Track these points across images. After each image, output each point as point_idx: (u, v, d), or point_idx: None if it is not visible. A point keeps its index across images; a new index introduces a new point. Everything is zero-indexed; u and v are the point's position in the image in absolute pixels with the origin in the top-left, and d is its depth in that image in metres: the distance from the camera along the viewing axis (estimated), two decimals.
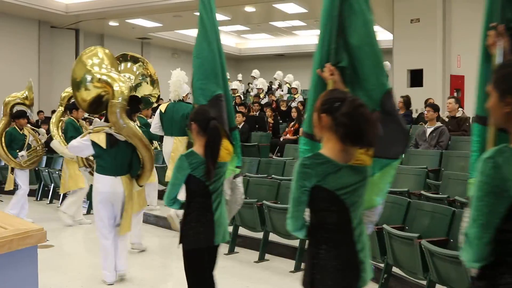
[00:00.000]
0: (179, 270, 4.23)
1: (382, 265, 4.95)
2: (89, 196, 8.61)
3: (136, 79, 6.33)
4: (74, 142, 5.60)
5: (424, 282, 4.46)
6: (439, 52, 13.72)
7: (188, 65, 8.26)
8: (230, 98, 4.35)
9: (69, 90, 7.79)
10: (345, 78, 3.03)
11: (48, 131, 9.96)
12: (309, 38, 23.96)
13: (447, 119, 9.03)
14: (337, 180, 2.40)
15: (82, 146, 5.49)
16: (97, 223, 5.57)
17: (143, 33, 21.51)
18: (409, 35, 14.03)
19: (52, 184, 10.81)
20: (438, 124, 8.20)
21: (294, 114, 12.10)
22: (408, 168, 7.15)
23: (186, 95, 7.90)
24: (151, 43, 23.36)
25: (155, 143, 8.38)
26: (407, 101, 10.90)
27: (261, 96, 17.88)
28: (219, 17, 18.73)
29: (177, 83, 7.81)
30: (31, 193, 11.50)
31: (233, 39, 26.20)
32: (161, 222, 8.25)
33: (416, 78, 14.13)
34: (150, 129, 7.91)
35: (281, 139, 11.60)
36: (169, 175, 6.52)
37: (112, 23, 19.26)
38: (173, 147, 7.69)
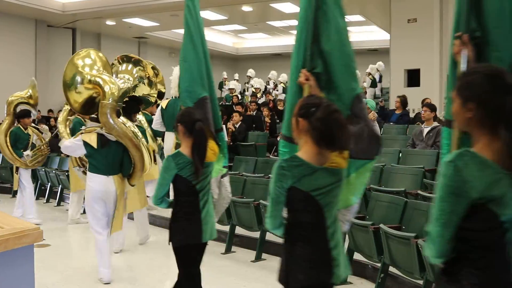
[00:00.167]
0: (176, 268, 4.23)
1: (379, 264, 4.96)
2: None
3: (134, 81, 6.41)
4: (67, 142, 5.78)
5: (421, 282, 4.46)
6: (436, 52, 13.73)
7: None
8: (215, 100, 4.46)
9: None
10: (320, 83, 3.17)
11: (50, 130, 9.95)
12: None
13: (444, 119, 9.03)
14: (312, 182, 2.55)
15: (74, 146, 5.62)
16: (91, 221, 5.64)
17: (140, 32, 21.49)
18: (406, 34, 14.05)
19: (49, 183, 10.80)
20: (435, 124, 8.20)
21: None
22: (405, 168, 7.16)
23: None
24: (148, 42, 23.35)
25: (159, 140, 8.45)
26: (404, 101, 10.91)
27: (258, 95, 17.88)
28: (217, 16, 18.79)
29: (177, 79, 7.82)
30: None
31: (230, 38, 26.20)
32: (158, 222, 8.24)
33: (413, 78, 14.15)
34: (152, 126, 7.99)
35: (278, 138, 11.59)
36: None
37: (109, 22, 19.23)
38: (174, 143, 7.76)
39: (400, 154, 8.00)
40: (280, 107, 14.48)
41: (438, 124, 8.24)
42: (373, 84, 19.23)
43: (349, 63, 3.23)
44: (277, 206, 2.60)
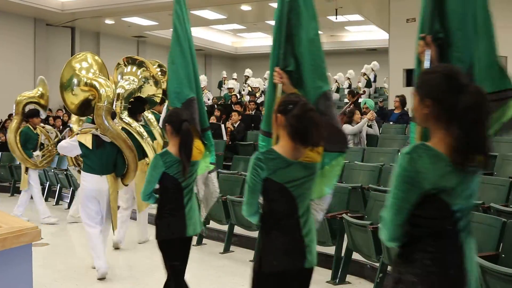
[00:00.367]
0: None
1: (378, 264, 4.96)
2: None
3: (139, 82, 6.58)
4: (63, 142, 6.00)
5: None
6: None
7: None
8: (202, 100, 4.65)
9: None
10: (292, 81, 3.41)
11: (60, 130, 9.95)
12: None
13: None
14: (287, 175, 2.73)
15: (70, 146, 5.85)
16: (82, 216, 5.86)
17: (139, 31, 21.48)
18: (405, 34, 13.99)
19: (48, 182, 10.80)
20: None
21: None
22: None
23: None
24: (147, 41, 23.33)
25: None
26: (403, 100, 10.92)
27: (257, 95, 17.87)
28: (215, 15, 18.78)
29: None
30: None
31: (229, 38, 26.20)
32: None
33: (412, 77, 14.13)
34: (160, 124, 8.06)
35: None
36: None
37: (108, 21, 19.21)
38: None
39: (399, 153, 8.00)
40: None
41: None
42: (368, 84, 19.25)
43: (318, 64, 3.44)
44: (253, 194, 2.78)
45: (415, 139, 2.87)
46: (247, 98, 17.08)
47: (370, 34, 22.87)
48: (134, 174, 6.00)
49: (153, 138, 7.32)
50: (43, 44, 18.85)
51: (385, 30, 15.47)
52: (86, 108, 5.94)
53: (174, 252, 3.96)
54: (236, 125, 11.38)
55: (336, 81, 20.00)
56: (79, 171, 7.28)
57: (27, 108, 8.71)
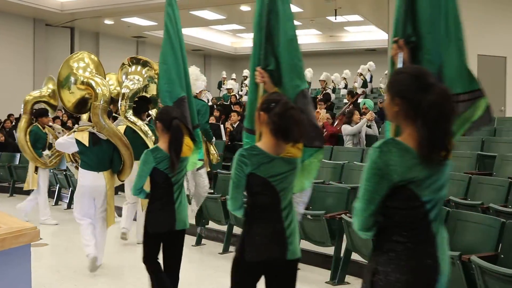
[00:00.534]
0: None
1: None
2: None
3: (144, 81, 6.69)
4: (60, 140, 6.16)
5: None
6: None
7: None
8: (192, 99, 4.82)
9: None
10: (273, 79, 3.57)
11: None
12: (304, 38, 23.95)
13: None
14: (270, 169, 2.86)
15: (67, 143, 6.00)
16: (75, 211, 6.03)
17: (139, 32, 21.49)
18: None
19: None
20: None
21: None
22: None
23: (199, 92, 8.13)
24: (147, 41, 23.34)
25: None
26: None
27: None
28: (215, 16, 18.77)
29: (190, 80, 7.97)
30: (26, 192, 11.51)
31: (228, 38, 26.20)
32: None
33: None
34: None
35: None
36: None
37: (108, 22, 19.22)
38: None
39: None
40: None
41: None
42: (364, 84, 19.23)
43: (296, 63, 3.60)
44: (237, 189, 2.90)
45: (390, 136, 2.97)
46: (245, 99, 17.07)
47: (369, 35, 22.86)
48: (130, 171, 6.11)
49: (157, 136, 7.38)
50: (42, 44, 18.86)
51: (384, 31, 15.48)
52: (82, 107, 6.09)
53: (157, 244, 4.13)
54: (235, 126, 11.38)
55: (333, 82, 20.01)
56: (76, 167, 7.31)
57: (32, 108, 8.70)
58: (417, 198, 2.08)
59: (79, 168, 6.02)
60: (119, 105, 6.60)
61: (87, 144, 5.84)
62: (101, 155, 5.90)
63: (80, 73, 6.00)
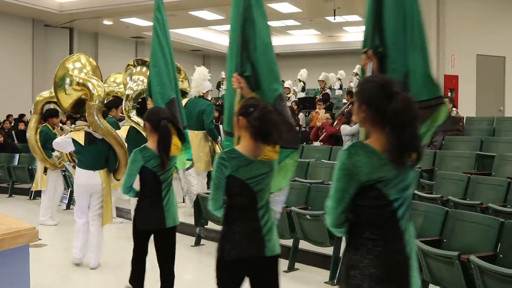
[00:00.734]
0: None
1: None
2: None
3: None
4: (58, 139, 6.34)
5: None
6: (433, 52, 13.72)
7: (182, 64, 8.30)
8: (180, 101, 5.00)
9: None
10: (250, 85, 3.71)
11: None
12: (303, 38, 23.99)
13: None
14: (248, 172, 3.01)
15: (64, 143, 6.18)
16: (75, 208, 6.27)
17: (137, 32, 21.47)
18: None
19: None
20: None
21: None
22: None
23: (206, 91, 8.21)
24: (146, 42, 23.29)
25: None
26: None
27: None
28: (214, 16, 18.77)
29: (198, 80, 8.21)
30: (25, 192, 11.51)
31: (227, 38, 26.08)
32: None
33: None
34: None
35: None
36: None
37: (106, 22, 19.20)
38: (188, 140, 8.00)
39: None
40: None
41: None
42: None
43: (272, 67, 3.76)
44: (218, 190, 3.04)
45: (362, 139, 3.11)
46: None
47: None
48: (125, 169, 6.20)
49: None
50: (41, 45, 18.84)
51: None
52: (80, 107, 6.26)
53: (145, 242, 4.27)
54: None
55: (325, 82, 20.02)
56: (74, 167, 7.35)
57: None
58: (385, 197, 2.24)
59: (76, 167, 6.19)
60: (123, 106, 6.73)
61: (83, 143, 6.00)
62: (96, 154, 6.06)
63: (76, 74, 6.17)
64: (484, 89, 13.82)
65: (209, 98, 8.78)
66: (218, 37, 25.09)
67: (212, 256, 6.59)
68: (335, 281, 5.39)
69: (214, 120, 11.99)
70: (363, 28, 3.36)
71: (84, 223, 6.10)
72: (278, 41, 24.91)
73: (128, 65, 7.00)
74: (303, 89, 18.61)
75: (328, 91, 16.91)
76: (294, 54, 24.69)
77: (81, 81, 6.17)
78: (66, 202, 10.17)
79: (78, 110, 6.35)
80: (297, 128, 11.90)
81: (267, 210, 3.13)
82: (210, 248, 7.00)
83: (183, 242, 7.02)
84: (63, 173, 9.96)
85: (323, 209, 5.80)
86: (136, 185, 4.34)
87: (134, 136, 6.50)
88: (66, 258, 6.64)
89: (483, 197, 5.61)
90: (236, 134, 3.31)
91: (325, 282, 5.46)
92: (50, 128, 8.66)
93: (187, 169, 4.91)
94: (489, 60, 13.86)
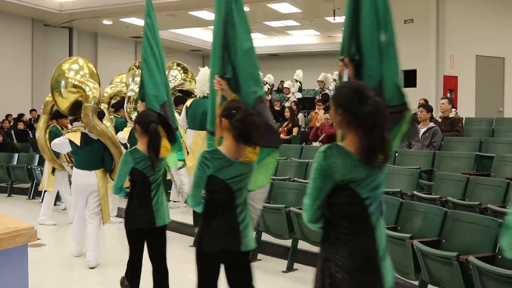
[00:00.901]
0: (172, 266, 4.26)
1: None
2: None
3: None
4: (56, 140, 6.45)
5: (416, 283, 4.46)
6: (433, 52, 13.74)
7: None
8: (172, 104, 5.14)
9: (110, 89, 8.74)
10: (231, 87, 3.82)
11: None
12: (303, 38, 24.00)
13: (440, 120, 9.04)
14: (229, 172, 3.19)
15: (61, 143, 6.32)
16: (74, 207, 6.47)
17: (137, 32, 21.42)
18: (403, 35, 14.02)
19: None
20: (431, 124, 8.22)
21: (287, 114, 12.12)
22: (401, 169, 7.16)
23: None
24: None
25: None
26: None
27: None
28: (213, 16, 18.70)
29: (202, 80, 8.26)
30: (24, 192, 11.51)
31: None
32: None
33: (409, 78, 14.14)
34: (179, 123, 8.25)
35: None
36: (189, 166, 6.85)
37: (106, 22, 19.20)
38: (192, 140, 8.23)
39: (396, 154, 8.01)
40: (276, 108, 14.48)
41: (434, 125, 8.25)
42: None
43: (253, 71, 3.88)
44: (198, 188, 3.21)
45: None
46: None
47: None
48: None
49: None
50: (41, 44, 18.84)
51: None
52: (77, 109, 6.39)
53: (139, 241, 4.33)
54: None
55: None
56: (71, 167, 7.36)
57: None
58: (357, 196, 2.39)
59: (73, 167, 6.31)
60: (124, 108, 6.77)
61: (79, 144, 6.14)
62: (92, 154, 6.20)
63: (72, 75, 6.34)
64: (483, 90, 13.83)
65: None
66: None
67: None
68: None
69: None
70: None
71: (81, 222, 6.26)
72: (277, 41, 24.95)
73: (131, 66, 7.03)
74: (299, 90, 18.60)
75: (327, 91, 16.92)
76: (293, 55, 24.71)
77: (76, 83, 6.31)
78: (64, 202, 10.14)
79: (75, 112, 6.48)
80: (296, 128, 11.92)
81: (245, 207, 3.33)
82: None
83: (182, 242, 7.02)
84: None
85: None
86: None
87: (135, 137, 6.54)
88: (65, 257, 6.64)
89: (482, 198, 5.60)
90: (218, 134, 3.43)
91: None
92: (59, 128, 8.66)
93: (179, 168, 4.99)
94: (489, 61, 13.88)
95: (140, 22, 19.36)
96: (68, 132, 6.35)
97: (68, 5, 17.09)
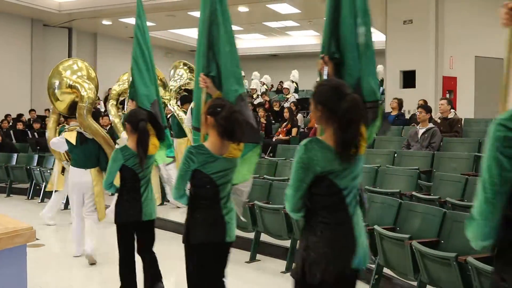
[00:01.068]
0: (171, 267, 4.25)
1: (373, 266, 4.96)
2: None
3: None
4: (54, 139, 6.70)
5: (415, 283, 4.47)
6: (432, 53, 13.74)
7: None
8: (161, 103, 5.26)
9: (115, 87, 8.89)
10: (215, 84, 3.95)
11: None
12: (302, 39, 23.97)
13: (439, 120, 9.05)
14: (213, 167, 3.34)
15: (59, 143, 6.54)
16: (71, 206, 6.64)
17: None
18: (402, 36, 14.05)
19: (44, 183, 10.76)
20: (430, 125, 8.22)
21: (286, 114, 12.12)
22: (400, 169, 7.16)
23: None
24: None
25: None
26: (400, 102, 10.96)
27: (254, 96, 17.89)
28: None
29: None
30: (23, 192, 11.50)
31: None
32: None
33: (408, 79, 14.15)
34: (185, 123, 8.69)
35: (274, 139, 11.61)
36: None
37: (105, 22, 19.19)
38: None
39: (395, 155, 8.01)
40: (275, 108, 14.48)
41: (434, 126, 8.26)
42: None
43: (235, 70, 4.02)
44: (182, 181, 3.38)
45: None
46: None
47: None
48: None
49: (184, 135, 8.65)
50: (40, 44, 18.82)
51: (382, 32, 15.47)
52: (75, 109, 6.54)
53: (129, 235, 4.51)
54: None
55: None
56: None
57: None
58: (335, 186, 2.54)
59: (70, 166, 6.51)
60: (125, 107, 6.84)
61: (74, 143, 6.32)
62: (88, 153, 6.39)
63: (68, 76, 6.54)
64: (482, 91, 13.82)
65: None
66: None
67: None
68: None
69: None
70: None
71: (79, 220, 6.39)
72: (276, 42, 24.94)
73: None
74: (296, 90, 18.61)
75: None
76: (293, 55, 24.69)
77: (72, 83, 6.49)
78: (64, 202, 10.14)
79: (73, 112, 6.63)
80: (295, 129, 11.92)
81: (228, 200, 3.50)
82: None
83: (182, 242, 7.01)
84: (62, 174, 9.94)
85: None
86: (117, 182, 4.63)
87: None
88: (64, 257, 6.64)
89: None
90: (203, 131, 3.58)
91: None
92: None
93: (167, 164, 5.18)
94: (488, 61, 13.87)
95: None
96: (65, 131, 6.57)
97: (67, 5, 17.08)
